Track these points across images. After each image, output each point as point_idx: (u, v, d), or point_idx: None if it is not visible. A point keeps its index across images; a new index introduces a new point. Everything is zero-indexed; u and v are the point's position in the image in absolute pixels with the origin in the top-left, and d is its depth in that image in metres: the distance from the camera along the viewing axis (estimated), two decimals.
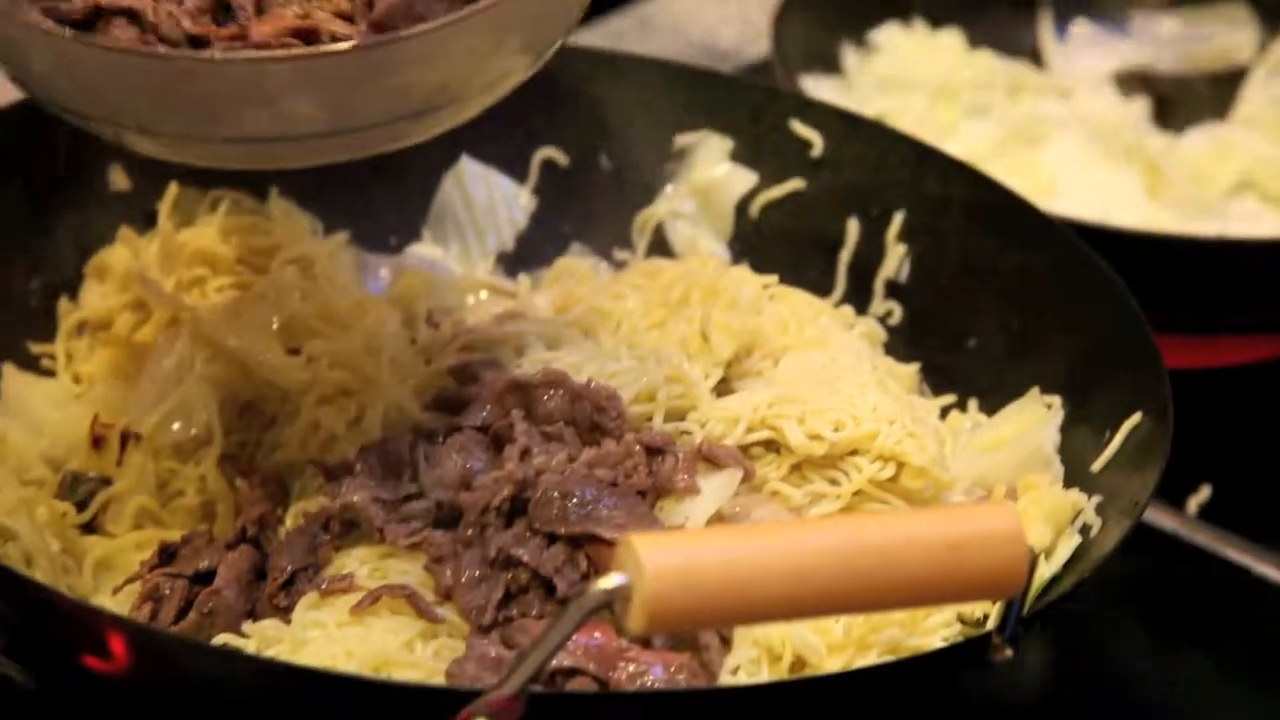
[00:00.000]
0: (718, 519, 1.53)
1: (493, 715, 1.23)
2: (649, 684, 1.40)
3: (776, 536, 1.23)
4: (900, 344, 1.79)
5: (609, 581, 1.19)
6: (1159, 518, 1.82)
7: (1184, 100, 2.37)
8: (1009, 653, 1.34)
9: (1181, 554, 1.83)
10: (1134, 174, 2.20)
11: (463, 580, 1.46)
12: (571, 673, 1.39)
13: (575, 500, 1.47)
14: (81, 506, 1.58)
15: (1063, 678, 1.70)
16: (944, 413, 1.73)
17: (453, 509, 1.50)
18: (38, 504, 1.54)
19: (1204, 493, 1.89)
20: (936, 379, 1.76)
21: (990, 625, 1.47)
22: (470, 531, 1.48)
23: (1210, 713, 1.71)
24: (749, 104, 1.87)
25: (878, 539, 1.22)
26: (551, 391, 1.57)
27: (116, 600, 1.50)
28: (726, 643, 1.46)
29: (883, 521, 1.27)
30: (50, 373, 1.69)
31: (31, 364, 1.69)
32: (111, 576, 1.53)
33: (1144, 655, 1.76)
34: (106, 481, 1.59)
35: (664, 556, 1.18)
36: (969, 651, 1.36)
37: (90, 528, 1.58)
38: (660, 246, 1.87)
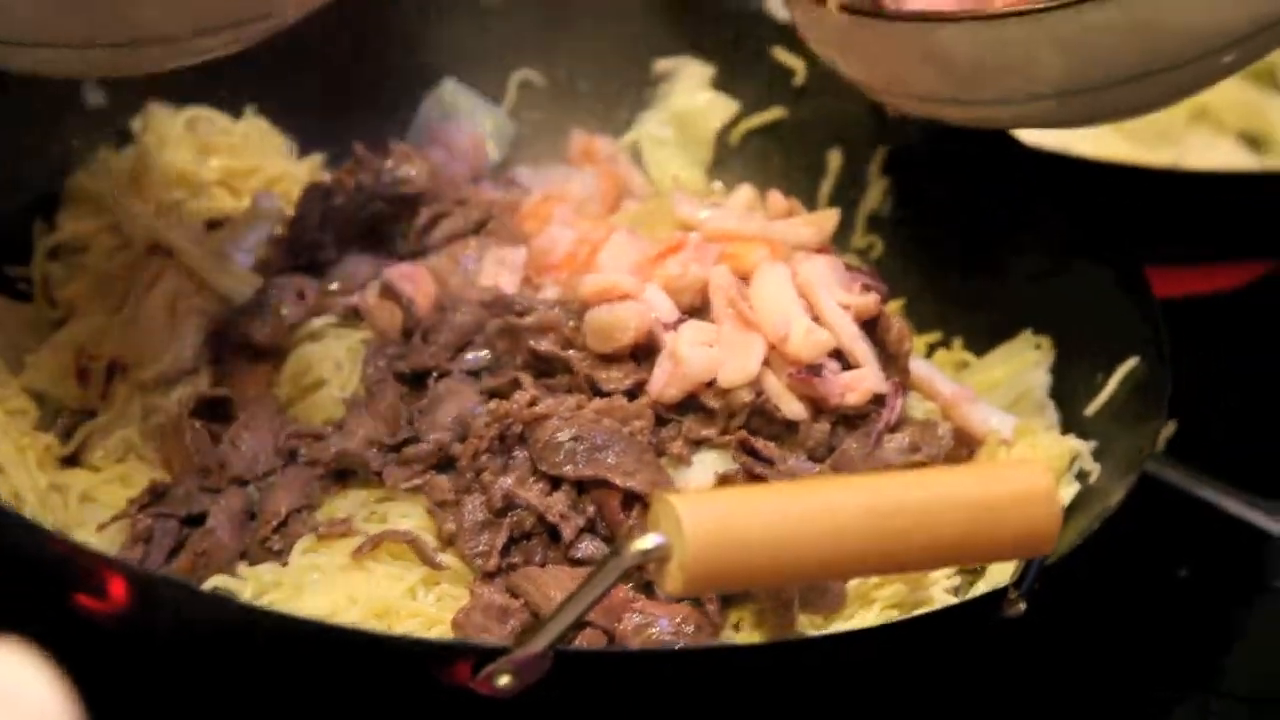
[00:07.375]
0: None
1: (517, 672, 1.21)
2: (656, 635, 1.38)
3: (815, 497, 1.20)
4: (882, 278, 1.76)
5: (645, 542, 1.16)
6: None
7: None
8: (1022, 607, 1.33)
9: (1148, 489, 1.82)
10: None
11: (465, 525, 1.43)
12: (578, 624, 1.36)
13: (585, 444, 1.44)
14: (64, 439, 1.54)
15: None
16: (930, 350, 1.72)
17: (452, 454, 1.47)
18: (23, 437, 1.50)
19: (1170, 428, 1.88)
20: (920, 315, 1.74)
21: (989, 578, 1.47)
22: (468, 476, 1.45)
23: (1172, 646, 1.71)
24: (730, 30, 1.84)
25: (915, 499, 1.21)
26: (543, 336, 1.53)
27: (102, 537, 1.45)
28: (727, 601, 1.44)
29: (920, 481, 1.24)
30: (26, 296, 1.63)
31: (6, 287, 1.63)
32: (94, 510, 1.49)
33: (1107, 592, 1.75)
34: (89, 414, 1.55)
35: (704, 517, 1.15)
36: (984, 607, 1.34)
37: (71, 460, 1.54)
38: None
